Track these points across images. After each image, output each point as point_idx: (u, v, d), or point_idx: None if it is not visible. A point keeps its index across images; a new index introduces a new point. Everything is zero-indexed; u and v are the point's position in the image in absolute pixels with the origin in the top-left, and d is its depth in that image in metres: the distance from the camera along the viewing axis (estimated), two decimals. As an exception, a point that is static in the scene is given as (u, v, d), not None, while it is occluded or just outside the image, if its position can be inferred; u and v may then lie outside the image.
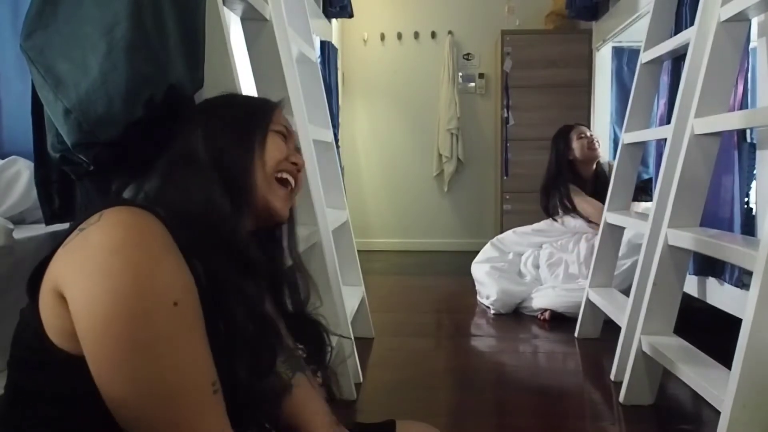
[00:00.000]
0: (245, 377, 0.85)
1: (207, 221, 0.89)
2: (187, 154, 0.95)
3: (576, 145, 3.40)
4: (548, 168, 3.50)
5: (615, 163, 2.74)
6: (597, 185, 3.37)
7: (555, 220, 3.44)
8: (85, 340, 0.72)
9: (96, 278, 0.71)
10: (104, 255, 0.72)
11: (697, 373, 1.69)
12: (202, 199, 0.90)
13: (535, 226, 3.56)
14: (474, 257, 3.61)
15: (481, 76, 5.36)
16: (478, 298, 3.47)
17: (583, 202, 3.32)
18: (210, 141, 0.95)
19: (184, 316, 0.74)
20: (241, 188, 0.95)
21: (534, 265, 3.40)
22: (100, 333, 0.70)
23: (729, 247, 1.62)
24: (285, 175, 1.01)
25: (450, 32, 5.31)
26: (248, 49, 1.83)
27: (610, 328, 2.58)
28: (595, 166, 3.45)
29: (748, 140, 2.04)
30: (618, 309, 2.41)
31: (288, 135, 1.04)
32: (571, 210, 3.37)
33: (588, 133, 3.46)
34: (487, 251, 3.59)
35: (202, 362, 0.76)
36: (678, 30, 2.37)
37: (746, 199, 2.05)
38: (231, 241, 0.90)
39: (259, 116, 1.01)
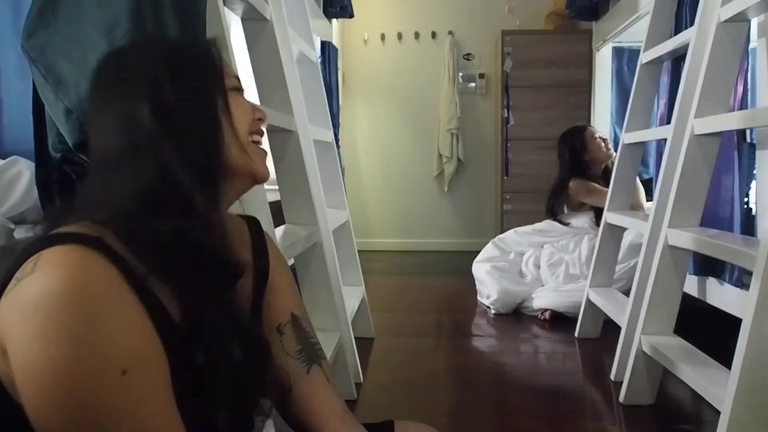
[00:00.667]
0: (225, 425, 0.78)
1: (174, 227, 0.76)
2: (133, 140, 0.79)
3: (593, 145, 3.36)
4: (561, 168, 3.46)
5: (615, 164, 2.74)
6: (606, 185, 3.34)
7: (559, 220, 3.44)
8: (27, 407, 0.64)
9: (32, 344, 0.62)
10: (39, 318, 0.62)
11: (698, 373, 1.69)
12: (164, 198, 0.77)
13: (537, 225, 3.56)
14: (474, 257, 3.61)
15: (481, 76, 5.36)
16: (479, 297, 3.47)
17: (594, 192, 3.30)
18: (161, 122, 0.80)
19: (136, 386, 0.65)
20: (212, 173, 0.83)
21: (535, 265, 3.40)
22: (40, 405, 0.63)
23: (729, 247, 1.62)
24: (257, 137, 0.91)
25: (450, 32, 5.31)
26: (249, 49, 1.83)
27: (611, 328, 2.58)
28: (604, 167, 3.41)
29: (748, 140, 2.04)
30: (618, 309, 2.41)
31: (240, 85, 0.91)
32: (579, 206, 3.38)
33: (601, 134, 3.45)
34: (488, 250, 3.59)
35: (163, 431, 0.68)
36: (678, 30, 2.37)
37: (746, 199, 2.05)
38: (209, 249, 0.78)
39: (209, 76, 0.86)
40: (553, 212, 3.48)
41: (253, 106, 0.90)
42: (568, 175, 3.40)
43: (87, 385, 0.63)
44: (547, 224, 3.52)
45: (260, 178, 0.89)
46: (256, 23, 1.79)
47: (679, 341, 1.94)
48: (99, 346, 0.63)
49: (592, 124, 4.51)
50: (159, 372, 0.69)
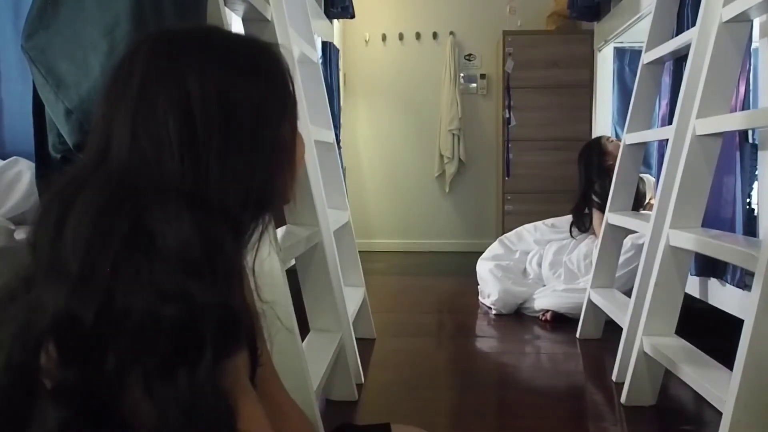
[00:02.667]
0: None
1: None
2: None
3: (611, 146, 3.26)
4: (582, 183, 3.37)
5: (617, 164, 2.74)
6: None
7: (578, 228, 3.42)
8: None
9: None
10: None
11: (699, 374, 1.69)
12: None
13: (555, 221, 3.56)
14: (475, 258, 3.61)
15: (482, 76, 5.36)
16: (480, 298, 3.47)
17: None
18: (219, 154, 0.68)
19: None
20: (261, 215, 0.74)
21: (538, 264, 3.41)
22: None
23: (731, 248, 1.62)
24: None
25: (451, 33, 5.31)
26: (249, 50, 1.82)
27: (612, 328, 2.58)
28: None
29: (750, 141, 2.04)
30: (619, 310, 2.40)
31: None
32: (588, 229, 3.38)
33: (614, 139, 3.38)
34: (494, 248, 3.59)
35: None
36: (680, 31, 2.36)
37: (748, 200, 2.05)
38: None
39: (285, 103, 0.75)
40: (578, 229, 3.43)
41: (300, 138, 0.82)
42: (585, 189, 3.33)
43: None
44: (558, 220, 3.53)
45: (288, 201, 0.84)
46: (257, 24, 1.79)
47: (681, 342, 1.94)
48: None
49: (593, 124, 4.51)
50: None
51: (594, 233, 3.32)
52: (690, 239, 1.82)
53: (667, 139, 2.17)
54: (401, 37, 5.39)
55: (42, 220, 0.66)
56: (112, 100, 0.71)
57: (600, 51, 4.34)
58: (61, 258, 0.63)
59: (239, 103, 0.69)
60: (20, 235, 1.08)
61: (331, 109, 2.73)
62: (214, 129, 0.68)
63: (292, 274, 1.72)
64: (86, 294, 0.61)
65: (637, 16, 3.31)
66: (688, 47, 2.11)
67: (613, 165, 3.23)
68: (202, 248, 0.63)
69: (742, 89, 1.98)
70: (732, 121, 1.73)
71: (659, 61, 2.49)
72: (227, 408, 0.64)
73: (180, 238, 0.62)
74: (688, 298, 2.10)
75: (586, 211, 3.36)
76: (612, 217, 2.67)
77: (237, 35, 0.78)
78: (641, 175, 2.93)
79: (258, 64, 0.73)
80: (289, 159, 0.76)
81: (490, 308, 3.31)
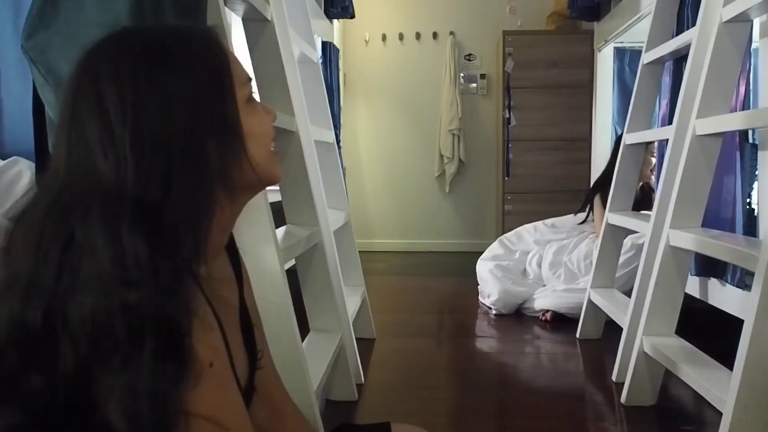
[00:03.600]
0: None
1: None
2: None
3: (646, 159, 3.05)
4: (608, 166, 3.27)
5: (617, 164, 2.74)
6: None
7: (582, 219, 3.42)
8: None
9: None
10: None
11: (699, 374, 1.69)
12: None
13: (555, 221, 3.57)
14: (475, 258, 3.61)
15: (482, 76, 5.36)
16: (480, 298, 3.47)
17: (599, 218, 3.22)
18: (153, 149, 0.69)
19: (219, 374, 0.69)
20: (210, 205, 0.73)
21: (538, 264, 3.41)
22: None
23: (731, 248, 1.62)
24: (274, 145, 0.84)
25: (451, 33, 5.31)
26: (249, 50, 1.83)
27: (612, 328, 2.58)
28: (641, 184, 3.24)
29: (750, 141, 2.04)
30: (619, 310, 2.40)
31: (251, 89, 0.82)
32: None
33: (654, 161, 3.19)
34: (494, 248, 3.60)
35: None
36: (680, 31, 2.36)
37: (748, 200, 2.05)
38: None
39: (220, 86, 0.75)
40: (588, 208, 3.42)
41: (266, 109, 0.83)
42: (605, 174, 3.25)
43: None
44: (560, 220, 3.53)
45: (276, 182, 0.85)
46: (257, 24, 1.79)
47: (681, 342, 1.94)
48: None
49: (593, 124, 4.51)
50: (229, 366, 0.72)
51: (594, 231, 3.32)
52: (690, 239, 1.82)
53: (667, 139, 2.17)
54: (401, 37, 5.39)
55: None
56: (57, 120, 0.75)
57: (600, 51, 4.34)
58: (12, 270, 0.67)
59: (156, 98, 0.69)
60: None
61: (331, 109, 2.73)
62: (128, 126, 0.68)
63: (292, 274, 1.72)
64: (33, 300, 0.64)
65: (637, 16, 3.31)
66: (688, 47, 2.11)
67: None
68: (134, 256, 0.64)
69: (742, 89, 1.98)
70: (732, 121, 1.73)
71: (659, 61, 2.49)
72: (167, 418, 0.64)
73: (112, 247, 0.64)
74: (688, 298, 2.10)
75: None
76: (612, 217, 2.67)
77: (160, 28, 0.78)
78: None
79: (174, 57, 0.72)
80: (237, 137, 0.75)
81: (490, 308, 3.31)
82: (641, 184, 3.23)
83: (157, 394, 0.63)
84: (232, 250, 0.93)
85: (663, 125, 2.46)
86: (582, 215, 3.46)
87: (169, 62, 0.71)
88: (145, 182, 0.68)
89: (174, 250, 0.67)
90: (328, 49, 3.83)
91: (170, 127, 0.69)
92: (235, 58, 0.80)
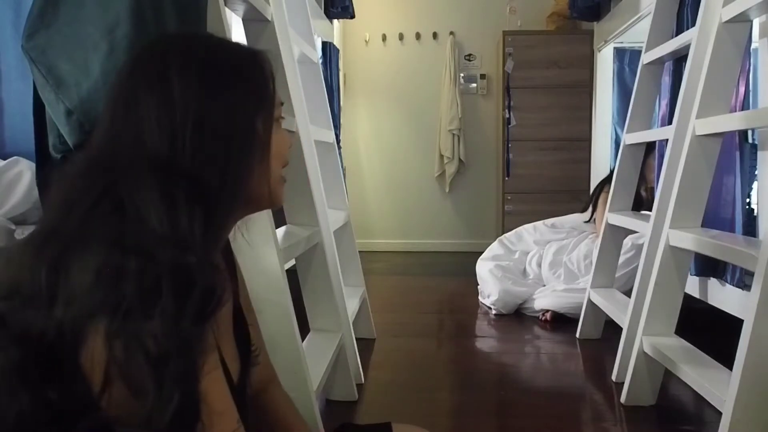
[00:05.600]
0: None
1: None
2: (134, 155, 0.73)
3: (652, 165, 2.97)
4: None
5: (617, 164, 2.74)
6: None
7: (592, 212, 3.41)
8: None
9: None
10: None
11: (699, 374, 1.69)
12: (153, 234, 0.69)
13: (555, 221, 3.57)
14: (475, 258, 3.61)
15: (482, 76, 5.36)
16: (480, 297, 3.48)
17: (603, 208, 3.20)
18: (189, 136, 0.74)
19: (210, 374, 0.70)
20: (229, 206, 0.79)
21: (538, 264, 3.41)
22: None
23: (730, 248, 1.62)
24: (284, 172, 0.88)
25: (452, 33, 5.31)
26: (250, 50, 1.82)
27: (612, 328, 2.58)
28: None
29: (750, 141, 2.04)
30: (619, 310, 2.40)
31: (281, 111, 0.87)
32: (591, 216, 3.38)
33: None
34: (494, 248, 3.60)
35: None
36: (679, 31, 2.36)
37: (748, 200, 2.05)
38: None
39: (260, 99, 0.81)
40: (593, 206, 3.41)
41: (288, 135, 0.89)
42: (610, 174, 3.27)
43: None
44: (560, 220, 3.54)
45: (277, 206, 0.89)
46: (257, 24, 1.79)
47: (681, 342, 1.94)
48: None
49: (593, 124, 4.51)
50: (218, 357, 0.74)
51: (594, 232, 3.33)
52: (690, 239, 1.82)
53: (667, 139, 2.17)
54: (401, 37, 5.39)
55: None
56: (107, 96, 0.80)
57: (600, 51, 4.34)
58: (43, 221, 0.73)
59: (215, 100, 0.76)
60: (21, 235, 1.09)
61: (331, 109, 2.73)
62: (190, 115, 0.74)
63: (292, 274, 1.72)
64: (47, 250, 0.67)
65: (637, 16, 3.31)
66: (688, 47, 2.11)
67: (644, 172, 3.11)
68: (168, 217, 0.69)
69: (742, 89, 1.98)
70: (732, 121, 1.73)
71: (659, 61, 2.49)
72: (192, 370, 0.66)
73: (148, 205, 0.69)
74: (688, 298, 2.10)
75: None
76: (612, 217, 2.67)
77: (223, 43, 0.85)
78: None
79: (236, 71, 0.80)
80: (261, 152, 0.80)
81: (490, 308, 3.32)
82: (650, 187, 3.22)
83: (191, 348, 0.66)
84: (225, 250, 0.94)
85: (663, 125, 2.46)
86: (587, 214, 3.46)
87: (230, 75, 0.78)
88: (203, 165, 0.74)
89: (216, 232, 0.75)
90: (328, 49, 3.83)
91: (232, 126, 0.76)
92: (274, 81, 0.86)
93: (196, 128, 0.74)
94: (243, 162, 0.78)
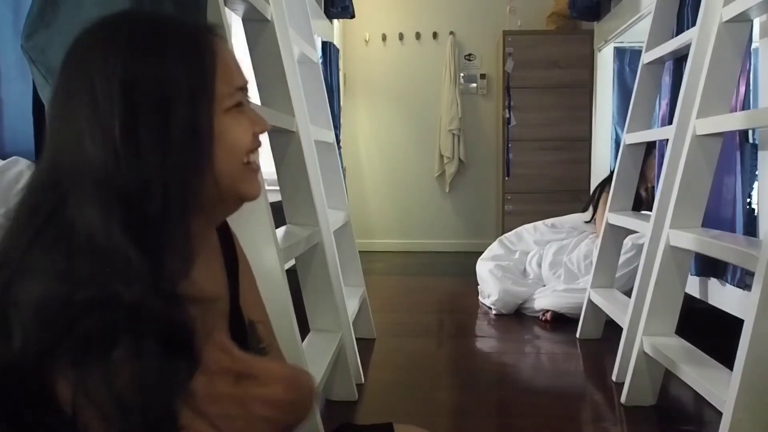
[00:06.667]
0: None
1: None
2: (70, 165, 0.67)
3: (653, 164, 2.95)
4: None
5: (617, 164, 2.74)
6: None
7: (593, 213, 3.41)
8: None
9: None
10: None
11: (699, 374, 1.68)
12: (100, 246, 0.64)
13: (555, 221, 3.57)
14: (475, 258, 3.61)
15: (482, 76, 5.36)
16: (480, 297, 3.48)
17: (603, 209, 3.20)
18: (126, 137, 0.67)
19: None
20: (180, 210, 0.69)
21: (538, 264, 3.41)
22: None
23: (731, 248, 1.62)
24: (253, 157, 0.78)
25: (452, 33, 5.31)
26: (249, 50, 1.83)
27: (612, 328, 2.58)
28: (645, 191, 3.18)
29: (750, 141, 2.04)
30: (620, 310, 2.40)
31: (245, 95, 0.77)
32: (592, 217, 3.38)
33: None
34: (494, 248, 3.60)
35: None
36: (680, 30, 2.36)
37: (748, 200, 2.05)
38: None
39: (198, 91, 0.71)
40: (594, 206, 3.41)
41: (254, 120, 0.77)
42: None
43: None
44: (558, 220, 3.54)
45: (251, 199, 0.79)
46: (257, 24, 1.79)
47: (681, 342, 1.94)
48: None
49: (593, 124, 4.51)
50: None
51: (594, 232, 3.33)
52: (690, 239, 1.82)
53: (667, 139, 2.16)
54: (401, 37, 5.39)
55: None
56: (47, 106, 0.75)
57: (600, 51, 4.34)
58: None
59: (142, 86, 0.68)
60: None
61: (331, 109, 2.73)
62: (116, 111, 0.67)
63: (292, 274, 1.71)
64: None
65: (637, 16, 3.31)
66: (688, 47, 2.11)
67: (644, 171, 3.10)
68: (109, 241, 0.64)
69: (742, 89, 1.98)
70: (732, 121, 1.73)
71: (659, 61, 2.48)
72: (164, 409, 0.63)
73: (90, 228, 0.64)
74: (688, 298, 2.10)
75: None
76: (612, 217, 2.66)
77: (155, 19, 0.75)
78: None
79: (165, 47, 0.71)
80: (205, 146, 0.71)
81: (490, 308, 3.31)
82: (650, 187, 3.21)
83: (164, 388, 0.62)
84: (226, 245, 0.91)
85: (663, 125, 2.46)
86: (587, 214, 3.46)
87: (157, 56, 0.70)
88: (141, 172, 0.66)
89: (164, 252, 0.66)
90: (328, 49, 3.83)
91: (166, 124, 0.68)
92: (228, 63, 0.76)
93: (124, 133, 0.66)
94: (183, 163, 0.69)
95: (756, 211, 2.02)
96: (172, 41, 0.72)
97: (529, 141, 4.72)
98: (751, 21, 1.82)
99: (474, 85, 5.37)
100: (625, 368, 2.11)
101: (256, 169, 0.79)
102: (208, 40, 0.74)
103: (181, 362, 0.64)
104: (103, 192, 0.65)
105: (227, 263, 0.91)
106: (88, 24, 0.73)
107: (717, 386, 1.58)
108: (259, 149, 0.79)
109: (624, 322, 2.25)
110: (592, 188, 3.90)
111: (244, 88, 0.77)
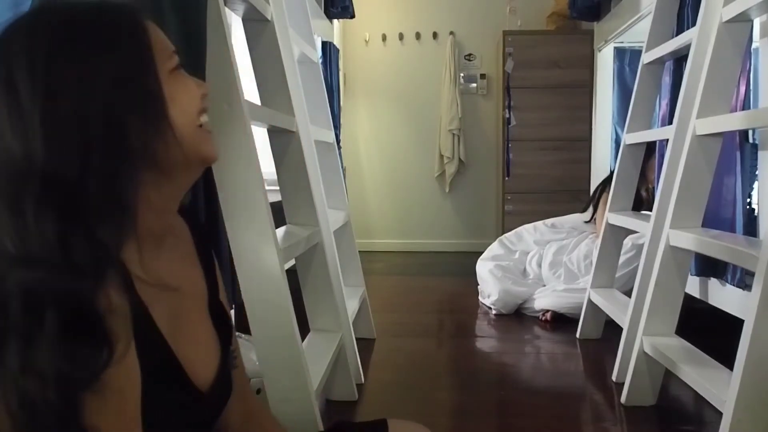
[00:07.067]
0: None
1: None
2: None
3: (653, 165, 2.94)
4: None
5: (617, 164, 2.74)
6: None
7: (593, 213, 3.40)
8: None
9: None
10: None
11: (699, 374, 1.68)
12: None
13: (555, 221, 3.57)
14: (475, 258, 3.61)
15: (482, 76, 5.36)
16: (480, 297, 3.48)
17: (603, 209, 3.20)
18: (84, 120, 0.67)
19: (110, 399, 0.63)
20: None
21: (538, 264, 3.41)
22: None
23: (731, 248, 1.62)
24: (205, 118, 0.79)
25: (452, 33, 5.31)
26: (249, 50, 1.83)
27: (612, 328, 2.58)
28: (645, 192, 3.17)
29: (750, 141, 2.04)
30: (619, 310, 2.40)
31: (177, 61, 0.78)
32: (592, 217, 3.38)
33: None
34: (494, 248, 3.60)
35: None
36: (680, 30, 2.36)
37: (748, 200, 2.05)
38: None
39: (139, 58, 0.72)
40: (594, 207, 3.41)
41: (197, 82, 0.80)
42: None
43: None
44: (558, 220, 3.54)
45: (211, 160, 0.81)
46: (257, 24, 1.79)
47: (681, 342, 1.94)
48: None
49: (593, 124, 4.51)
50: (136, 384, 0.67)
51: (594, 232, 3.33)
52: (690, 239, 1.82)
53: (667, 139, 2.16)
54: (401, 37, 5.39)
55: None
56: None
57: (600, 51, 4.34)
58: None
59: (72, 74, 0.67)
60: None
61: (331, 109, 2.73)
62: (38, 102, 0.65)
63: (292, 274, 1.71)
64: None
65: (637, 16, 3.31)
66: (688, 47, 2.11)
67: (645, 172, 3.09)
68: (39, 234, 0.62)
69: (742, 89, 1.98)
70: (732, 121, 1.73)
71: (659, 61, 2.48)
72: (64, 402, 0.60)
73: (14, 225, 0.62)
74: (688, 298, 2.10)
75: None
76: (612, 217, 2.66)
77: (77, 4, 0.73)
78: None
79: (92, 32, 0.70)
80: (159, 108, 0.72)
81: (490, 308, 3.31)
82: (650, 187, 3.21)
83: (63, 377, 0.59)
84: (198, 237, 0.91)
85: (663, 125, 2.46)
86: (587, 214, 3.46)
87: (86, 38, 0.69)
88: (58, 159, 0.64)
89: (90, 229, 0.64)
90: (328, 49, 3.83)
91: (87, 103, 0.67)
92: (156, 30, 0.77)
93: (45, 117, 0.65)
94: (116, 144, 0.68)
95: (756, 211, 2.02)
96: (101, 23, 0.72)
97: (529, 141, 4.73)
98: (751, 21, 1.82)
99: (474, 85, 5.37)
100: (625, 368, 2.11)
101: (209, 131, 0.80)
102: (134, 15, 0.75)
103: (88, 348, 0.60)
104: (14, 186, 0.64)
105: (203, 259, 0.91)
106: (10, 19, 0.71)
107: (717, 386, 1.58)
108: (206, 112, 0.80)
109: (624, 322, 2.25)
110: (592, 188, 3.91)
111: (174, 53, 0.78)
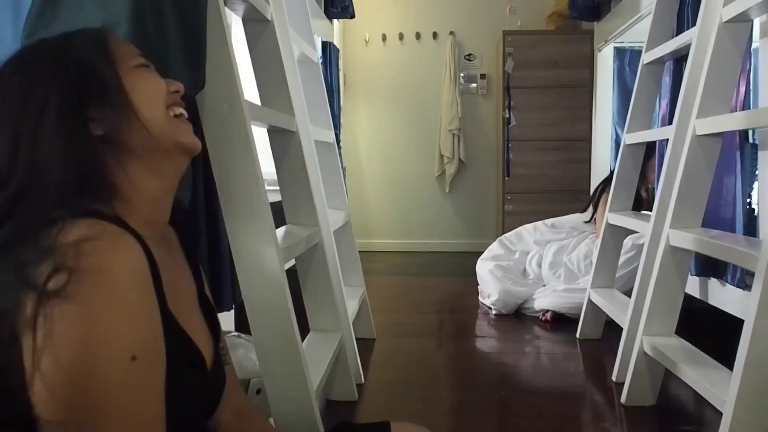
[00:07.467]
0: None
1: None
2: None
3: (653, 166, 2.93)
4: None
5: (617, 164, 2.74)
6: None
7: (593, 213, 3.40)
8: (31, 389, 0.65)
9: (47, 323, 0.64)
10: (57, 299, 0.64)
11: (699, 374, 1.68)
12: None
13: (555, 221, 3.56)
14: (475, 258, 3.61)
15: (482, 76, 5.36)
16: (480, 297, 3.48)
17: (603, 209, 3.20)
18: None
19: (141, 372, 0.67)
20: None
21: (538, 264, 3.41)
22: (43, 384, 0.64)
23: (731, 248, 1.62)
24: (179, 110, 0.86)
25: (452, 33, 5.31)
26: (250, 50, 1.83)
27: (612, 328, 2.58)
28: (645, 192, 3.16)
29: (750, 141, 2.04)
30: (620, 310, 2.40)
31: (147, 62, 0.87)
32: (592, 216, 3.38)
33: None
34: (494, 248, 3.60)
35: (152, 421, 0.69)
36: (680, 30, 2.36)
37: (748, 200, 2.05)
38: None
39: (99, 53, 0.81)
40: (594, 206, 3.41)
41: (166, 81, 0.87)
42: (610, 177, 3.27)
43: (92, 372, 0.64)
44: (558, 220, 3.54)
45: (190, 149, 0.86)
46: (257, 24, 1.79)
47: (681, 342, 1.94)
48: (112, 332, 0.65)
49: (593, 124, 4.51)
50: (161, 361, 0.71)
51: (594, 232, 3.33)
52: (690, 239, 1.82)
53: (667, 139, 2.16)
54: (401, 37, 5.39)
55: None
56: None
57: (600, 51, 4.34)
58: None
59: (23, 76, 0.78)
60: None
61: (331, 109, 2.73)
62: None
63: (292, 274, 1.71)
64: None
65: (637, 16, 3.31)
66: (688, 47, 2.11)
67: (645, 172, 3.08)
68: None
69: (742, 89, 1.98)
70: (732, 121, 1.73)
71: (659, 61, 2.49)
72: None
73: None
74: (688, 298, 2.10)
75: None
76: (612, 217, 2.66)
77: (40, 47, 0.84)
78: None
79: (46, 48, 0.82)
80: (119, 96, 0.80)
81: (490, 308, 3.31)
82: (650, 187, 3.21)
83: None
84: (186, 245, 0.96)
85: (663, 125, 2.46)
86: (587, 214, 3.46)
87: (52, 50, 0.81)
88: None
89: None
90: (328, 49, 3.83)
91: (52, 90, 0.76)
92: (118, 39, 0.88)
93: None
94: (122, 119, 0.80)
95: (756, 211, 2.02)
96: (57, 41, 0.83)
97: (529, 141, 4.73)
98: (751, 21, 1.82)
99: (474, 85, 5.37)
100: (625, 368, 2.11)
101: (187, 122, 0.87)
102: (94, 30, 0.86)
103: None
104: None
105: (190, 264, 0.96)
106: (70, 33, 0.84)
107: (717, 386, 1.58)
108: (183, 107, 0.87)
109: (624, 322, 2.25)
110: (592, 188, 3.91)
111: (138, 54, 0.86)
